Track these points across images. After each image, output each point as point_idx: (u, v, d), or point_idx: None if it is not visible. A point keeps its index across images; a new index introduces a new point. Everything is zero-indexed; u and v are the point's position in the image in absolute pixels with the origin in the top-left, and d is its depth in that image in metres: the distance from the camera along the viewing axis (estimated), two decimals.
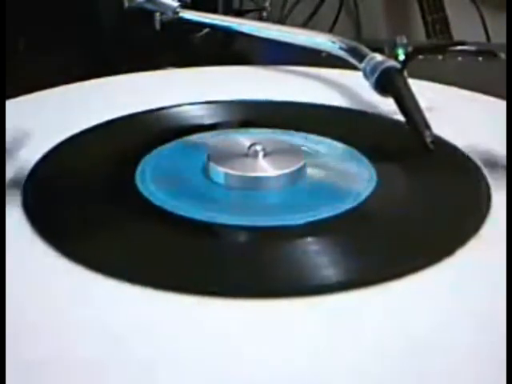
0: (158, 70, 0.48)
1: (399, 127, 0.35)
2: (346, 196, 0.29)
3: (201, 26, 0.57)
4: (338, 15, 1.07)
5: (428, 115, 0.33)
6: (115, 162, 0.32)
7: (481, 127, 0.37)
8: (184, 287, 0.23)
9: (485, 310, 0.22)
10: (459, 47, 0.62)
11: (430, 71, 0.54)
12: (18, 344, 0.21)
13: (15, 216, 0.27)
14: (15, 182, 0.30)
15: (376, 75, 0.38)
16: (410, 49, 0.57)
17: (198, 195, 0.29)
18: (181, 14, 0.55)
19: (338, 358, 0.20)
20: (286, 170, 0.30)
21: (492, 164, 0.32)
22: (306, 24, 1.02)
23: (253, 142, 0.31)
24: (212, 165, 0.30)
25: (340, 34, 0.47)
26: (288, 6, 1.03)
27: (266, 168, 0.30)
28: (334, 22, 1.06)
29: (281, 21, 0.98)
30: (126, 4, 0.57)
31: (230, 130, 0.36)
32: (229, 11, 0.66)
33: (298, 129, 0.36)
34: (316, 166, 0.32)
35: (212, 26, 0.55)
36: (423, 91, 0.36)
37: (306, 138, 0.35)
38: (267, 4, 0.78)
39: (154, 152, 0.33)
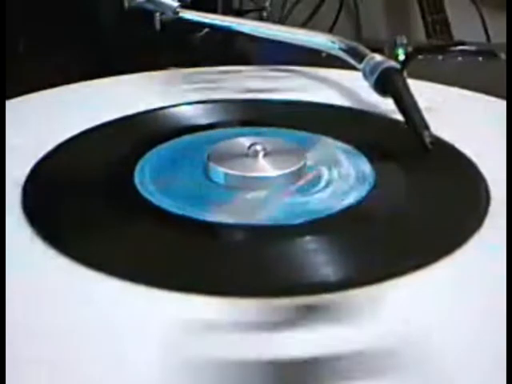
0: (158, 70, 0.48)
1: (398, 127, 0.35)
2: (345, 195, 0.29)
3: (201, 25, 0.57)
4: (338, 15, 1.07)
5: (427, 115, 0.33)
6: (115, 162, 0.32)
7: (481, 127, 0.37)
8: (183, 287, 0.23)
9: (485, 309, 0.22)
10: (459, 47, 0.62)
11: (429, 71, 0.54)
12: (18, 344, 0.21)
13: (15, 216, 0.28)
14: (15, 182, 0.30)
15: (375, 75, 0.38)
16: (409, 49, 0.57)
17: (198, 195, 0.29)
18: (181, 14, 0.55)
19: (338, 357, 0.20)
20: (286, 170, 0.30)
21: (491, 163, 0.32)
22: (305, 24, 1.02)
23: (253, 142, 0.31)
24: (212, 165, 0.30)
25: (340, 34, 0.47)
26: (288, 5, 1.03)
27: (266, 168, 0.30)
28: (334, 22, 1.06)
29: (281, 21, 0.98)
30: (126, 4, 0.57)
31: (230, 130, 0.36)
32: (229, 11, 0.67)
33: (298, 128, 0.36)
34: (316, 165, 0.32)
35: (212, 26, 0.55)
36: (423, 91, 0.36)
37: (306, 138, 0.35)
38: (267, 4, 0.78)
39: (154, 152, 0.33)
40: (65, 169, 0.32)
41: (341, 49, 0.44)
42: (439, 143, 0.33)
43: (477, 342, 0.21)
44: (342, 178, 0.31)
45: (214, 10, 0.62)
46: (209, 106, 0.39)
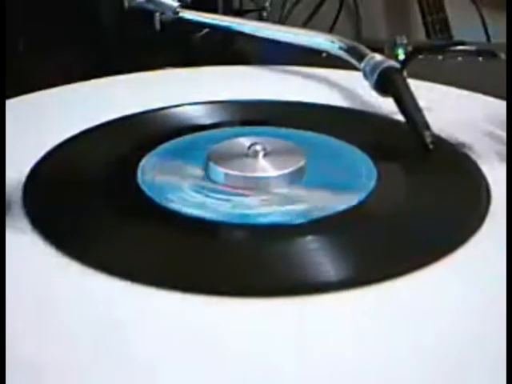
0: (158, 69, 0.48)
1: (399, 127, 0.35)
2: (345, 195, 0.29)
3: (201, 26, 0.57)
4: (338, 15, 1.07)
5: (427, 115, 0.33)
6: (115, 161, 0.32)
7: (481, 127, 0.37)
8: (182, 286, 0.23)
9: (485, 307, 0.22)
10: (459, 47, 0.62)
11: (429, 71, 0.54)
12: (18, 344, 0.21)
13: (15, 216, 0.27)
14: (15, 182, 0.30)
15: (376, 75, 0.38)
16: (409, 49, 0.57)
17: (198, 195, 0.29)
18: (181, 14, 0.55)
19: (339, 356, 0.20)
20: (286, 170, 0.30)
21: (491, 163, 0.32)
22: (305, 24, 1.02)
23: (253, 142, 0.31)
24: (212, 165, 0.30)
25: (340, 34, 0.47)
26: (288, 5, 1.03)
27: (266, 168, 0.30)
28: (334, 22, 1.06)
29: (281, 21, 0.98)
30: (126, 4, 0.57)
31: (230, 130, 0.36)
32: (229, 11, 0.67)
33: (298, 128, 0.36)
34: (316, 164, 0.32)
35: (212, 26, 0.55)
36: (423, 91, 0.36)
37: (306, 138, 0.35)
38: (267, 4, 0.78)
39: (154, 152, 0.33)
40: (65, 169, 0.32)
41: (341, 49, 0.44)
42: (440, 143, 0.33)
43: (477, 339, 0.21)
44: (342, 177, 0.31)
45: (214, 10, 0.62)
46: (209, 106, 0.39)
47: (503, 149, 0.33)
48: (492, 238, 0.26)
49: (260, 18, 0.77)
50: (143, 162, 0.32)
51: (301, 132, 0.36)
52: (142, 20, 0.57)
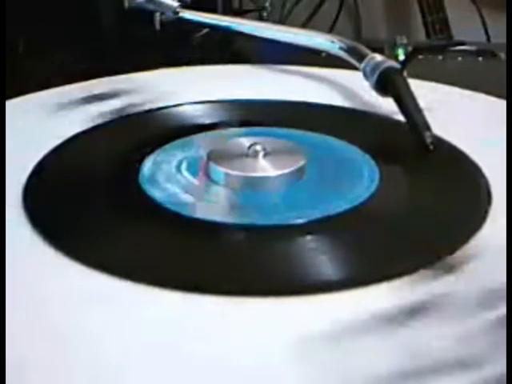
0: (157, 69, 0.48)
1: (399, 127, 0.35)
2: (346, 195, 0.29)
3: (201, 25, 0.57)
4: (338, 15, 1.07)
5: (427, 115, 0.33)
6: (116, 162, 0.32)
7: (481, 127, 0.37)
8: (183, 286, 0.23)
9: (485, 307, 0.22)
10: (459, 47, 0.62)
11: (429, 71, 0.54)
12: (18, 344, 0.21)
13: (15, 216, 0.27)
14: (15, 182, 0.30)
15: (376, 75, 0.38)
16: (409, 49, 0.57)
17: (198, 195, 0.29)
18: (181, 14, 0.55)
19: (339, 356, 0.20)
20: (286, 170, 0.30)
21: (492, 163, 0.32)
22: (305, 24, 1.02)
23: (253, 142, 0.31)
24: (212, 165, 0.30)
25: (340, 33, 0.46)
26: (288, 5, 1.03)
27: (266, 168, 0.30)
28: (334, 22, 1.06)
29: (281, 21, 0.98)
30: (126, 4, 0.57)
31: (230, 130, 0.36)
32: (229, 11, 0.67)
33: (298, 128, 0.36)
34: (316, 164, 0.32)
35: (212, 26, 0.55)
36: (423, 91, 0.36)
37: (306, 138, 0.35)
38: (267, 4, 0.78)
39: (155, 152, 0.33)
40: (66, 169, 0.32)
41: (341, 49, 0.44)
42: (440, 143, 0.33)
43: (477, 341, 0.21)
44: (343, 177, 0.31)
45: (214, 10, 0.62)
46: (209, 106, 0.39)
47: (503, 148, 0.33)
48: (492, 239, 0.26)
49: (260, 18, 0.77)
50: (144, 162, 0.32)
51: (301, 132, 0.36)
52: (142, 20, 0.57)
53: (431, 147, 0.32)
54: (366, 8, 1.09)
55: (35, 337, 0.21)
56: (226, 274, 0.24)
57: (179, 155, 0.33)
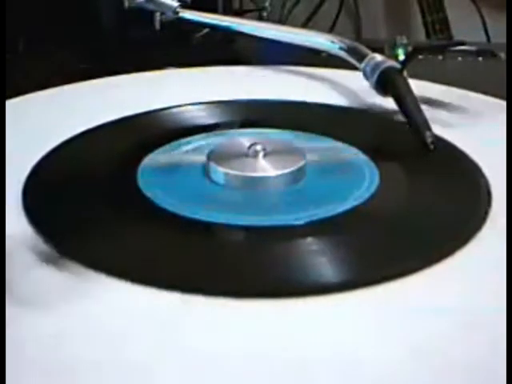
0: (158, 70, 0.48)
1: (399, 127, 0.35)
2: (346, 196, 0.29)
3: (201, 25, 0.57)
4: (338, 15, 1.07)
5: (428, 115, 0.33)
6: (116, 162, 0.32)
7: (481, 127, 0.37)
8: (181, 286, 0.23)
9: (485, 309, 0.22)
10: (459, 47, 0.62)
11: (430, 71, 0.54)
12: (18, 344, 0.21)
13: (15, 216, 0.27)
14: (15, 182, 0.30)
15: (376, 75, 0.38)
16: (409, 49, 0.56)
17: (198, 195, 0.29)
18: (181, 14, 0.55)
19: (339, 356, 0.20)
20: (286, 170, 0.30)
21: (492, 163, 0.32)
22: (305, 24, 1.02)
23: (253, 142, 0.31)
24: (212, 165, 0.30)
25: (340, 34, 0.47)
26: (288, 5, 1.03)
27: (266, 168, 0.30)
28: (334, 22, 1.06)
29: (281, 21, 0.98)
30: (126, 4, 0.57)
31: (230, 130, 0.36)
32: (229, 11, 0.67)
33: (298, 128, 0.36)
34: (316, 165, 0.32)
35: (212, 26, 0.55)
36: (423, 91, 0.36)
37: (306, 138, 0.35)
38: (267, 4, 0.78)
39: (154, 152, 0.33)
40: (65, 169, 0.32)
41: (341, 49, 0.44)
42: (440, 143, 0.33)
43: (477, 340, 0.21)
44: (342, 178, 0.31)
45: (214, 10, 0.62)
46: (209, 106, 0.39)
47: (503, 148, 0.33)
48: (493, 239, 0.26)
49: (260, 18, 0.77)
50: (143, 162, 0.32)
51: (301, 132, 0.36)
52: (142, 20, 0.57)
53: (432, 147, 0.32)
54: (365, 8, 1.09)
55: (35, 336, 0.21)
56: (225, 275, 0.24)
57: (179, 155, 0.33)
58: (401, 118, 0.35)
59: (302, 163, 0.31)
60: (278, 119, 0.37)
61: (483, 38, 1.00)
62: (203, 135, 0.36)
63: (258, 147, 0.31)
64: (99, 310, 0.22)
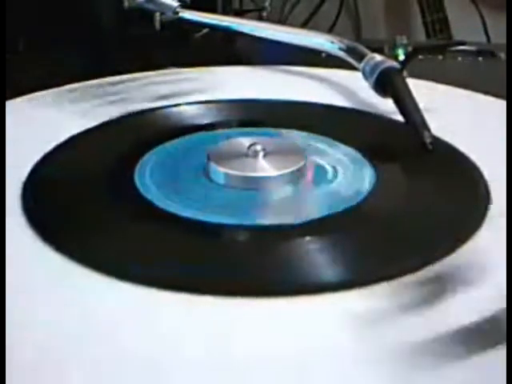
0: (157, 70, 0.48)
1: (398, 127, 0.35)
2: (345, 195, 0.29)
3: (201, 25, 0.57)
4: (338, 15, 1.07)
5: (427, 115, 0.33)
6: (115, 162, 0.32)
7: (480, 127, 0.37)
8: (182, 286, 0.23)
9: (485, 309, 0.22)
10: (459, 47, 0.62)
11: (430, 71, 0.54)
12: (18, 344, 0.21)
13: (15, 216, 0.28)
14: (15, 182, 0.30)
15: (375, 75, 0.38)
16: (409, 49, 0.57)
17: (198, 195, 0.29)
18: (181, 14, 0.55)
19: (339, 357, 0.20)
20: (286, 170, 0.30)
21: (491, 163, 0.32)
22: (306, 24, 1.02)
23: (253, 142, 0.31)
24: (212, 165, 0.30)
25: (340, 34, 0.47)
26: (288, 5, 1.03)
27: (266, 168, 0.30)
28: (334, 22, 1.07)
29: (281, 21, 0.98)
30: (126, 4, 0.57)
31: (230, 130, 0.36)
32: (228, 11, 0.67)
33: (297, 128, 0.36)
34: (316, 165, 0.32)
35: (212, 26, 0.55)
36: (423, 91, 0.36)
37: (306, 138, 0.35)
38: (267, 4, 0.78)
39: (154, 152, 0.33)
40: (65, 169, 0.32)
41: (341, 49, 0.44)
42: (439, 143, 0.33)
43: (477, 341, 0.21)
44: (342, 178, 0.31)
45: (214, 10, 0.62)
46: (209, 106, 0.39)
47: (503, 148, 0.33)
48: (492, 239, 0.26)
49: (260, 18, 0.77)
50: (143, 161, 0.32)
51: (301, 132, 0.36)
52: (142, 20, 0.57)
53: (430, 147, 0.32)
54: (365, 8, 1.09)
55: (35, 336, 0.21)
56: (225, 275, 0.24)
57: (178, 155, 0.33)
58: (400, 118, 0.35)
59: (301, 163, 0.31)
60: (277, 119, 0.37)
61: (483, 38, 1.00)
62: (203, 135, 0.36)
63: (258, 147, 0.31)
64: (99, 310, 0.22)
